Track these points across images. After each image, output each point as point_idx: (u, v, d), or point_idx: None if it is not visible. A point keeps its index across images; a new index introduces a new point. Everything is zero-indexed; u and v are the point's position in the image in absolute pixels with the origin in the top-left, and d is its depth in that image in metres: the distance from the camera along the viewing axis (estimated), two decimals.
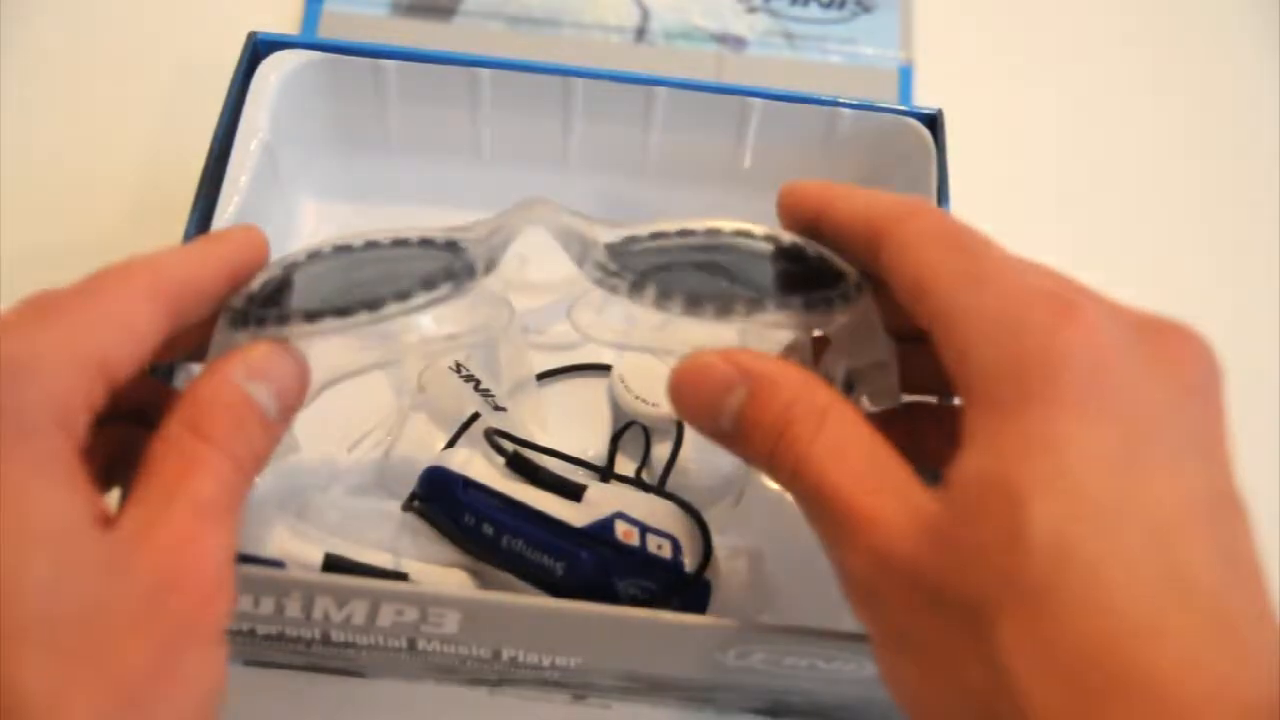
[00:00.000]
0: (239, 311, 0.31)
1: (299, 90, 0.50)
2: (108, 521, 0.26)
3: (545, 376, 0.49)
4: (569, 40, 0.62)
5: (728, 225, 0.33)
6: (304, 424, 0.33)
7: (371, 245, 0.33)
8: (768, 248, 0.32)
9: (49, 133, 0.56)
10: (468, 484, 0.41)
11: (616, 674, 0.41)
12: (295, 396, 0.31)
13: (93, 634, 0.24)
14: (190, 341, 0.31)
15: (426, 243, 0.33)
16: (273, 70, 0.49)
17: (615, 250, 0.32)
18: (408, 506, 0.42)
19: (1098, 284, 0.28)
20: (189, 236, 0.43)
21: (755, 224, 0.33)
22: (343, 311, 0.31)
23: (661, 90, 0.50)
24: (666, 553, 0.40)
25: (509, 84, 0.51)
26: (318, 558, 0.40)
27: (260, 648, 0.41)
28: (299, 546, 0.40)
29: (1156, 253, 0.58)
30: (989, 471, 0.24)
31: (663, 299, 0.31)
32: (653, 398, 0.46)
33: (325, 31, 0.60)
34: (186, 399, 0.28)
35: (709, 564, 0.40)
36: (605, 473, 0.45)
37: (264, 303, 0.31)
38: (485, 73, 0.50)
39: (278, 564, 0.39)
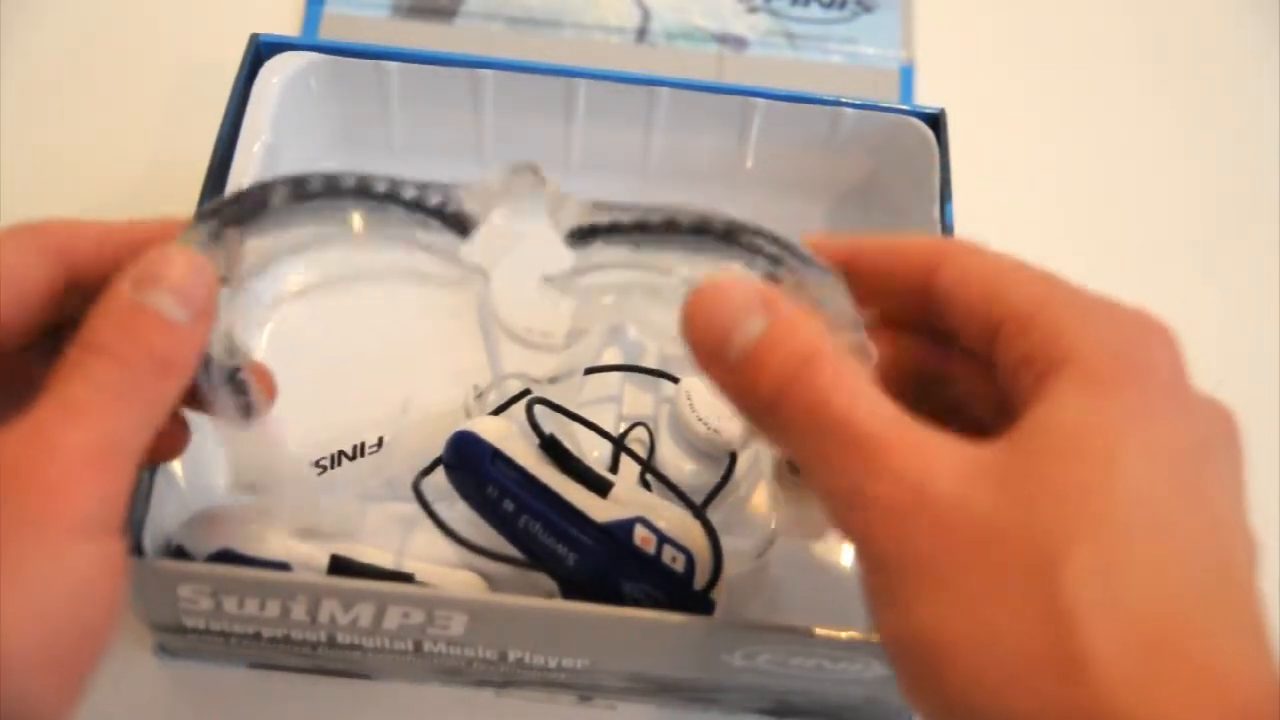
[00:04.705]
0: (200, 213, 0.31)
1: (301, 92, 0.50)
2: None
3: (600, 371, 0.48)
4: (570, 41, 0.61)
5: (685, 219, 0.31)
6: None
7: (364, 181, 0.34)
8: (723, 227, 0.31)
9: (51, 137, 0.56)
10: (496, 456, 0.41)
11: (623, 675, 0.41)
12: (199, 296, 0.30)
13: None
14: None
15: (423, 186, 0.34)
16: (275, 72, 0.49)
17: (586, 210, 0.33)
18: (419, 480, 0.41)
19: (1100, 284, 0.29)
20: None
21: (717, 213, 0.31)
22: (333, 189, 0.33)
23: (664, 91, 0.50)
24: (679, 566, 0.40)
25: (511, 85, 0.51)
26: (323, 560, 0.40)
27: (266, 651, 0.41)
28: (304, 548, 0.40)
29: (1159, 252, 0.58)
30: (1084, 424, 0.26)
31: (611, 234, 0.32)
32: (714, 422, 0.46)
33: (326, 34, 0.60)
34: (83, 321, 0.29)
35: (716, 585, 0.40)
36: (645, 470, 0.45)
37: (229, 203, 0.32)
38: (487, 74, 0.50)
39: (283, 567, 0.39)
